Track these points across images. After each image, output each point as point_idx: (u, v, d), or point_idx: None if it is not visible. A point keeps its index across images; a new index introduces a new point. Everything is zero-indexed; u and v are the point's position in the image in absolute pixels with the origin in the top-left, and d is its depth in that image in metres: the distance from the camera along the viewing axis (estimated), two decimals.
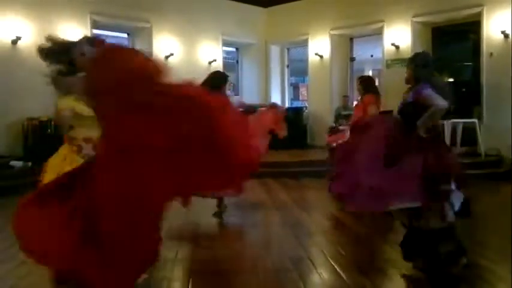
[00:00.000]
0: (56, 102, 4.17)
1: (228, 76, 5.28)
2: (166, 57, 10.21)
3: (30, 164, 7.28)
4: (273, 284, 3.05)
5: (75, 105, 3.90)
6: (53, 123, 6.75)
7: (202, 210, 5.32)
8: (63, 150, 3.92)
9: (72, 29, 8.79)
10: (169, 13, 10.34)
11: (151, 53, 9.92)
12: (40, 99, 7.59)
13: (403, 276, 3.13)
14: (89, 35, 9.02)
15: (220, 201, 5.10)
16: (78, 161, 3.58)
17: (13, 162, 7.33)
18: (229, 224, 5.09)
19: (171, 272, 3.24)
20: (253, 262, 3.46)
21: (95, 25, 9.22)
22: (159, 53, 10.09)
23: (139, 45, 10.16)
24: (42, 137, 7.47)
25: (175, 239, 4.11)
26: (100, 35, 9.59)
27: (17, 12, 8.10)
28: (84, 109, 3.82)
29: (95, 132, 3.47)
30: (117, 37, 10.61)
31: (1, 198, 6.12)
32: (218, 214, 5.04)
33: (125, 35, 10.38)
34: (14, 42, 8.02)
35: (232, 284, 3.08)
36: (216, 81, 4.90)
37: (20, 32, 8.05)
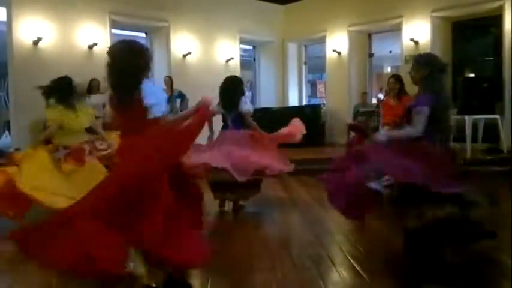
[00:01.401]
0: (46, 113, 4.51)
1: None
2: (184, 55, 10.28)
3: None
4: (293, 282, 3.05)
5: (63, 119, 4.28)
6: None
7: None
8: (43, 157, 4.38)
9: (92, 29, 8.91)
10: (187, 12, 10.39)
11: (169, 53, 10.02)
12: None
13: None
14: (107, 34, 9.15)
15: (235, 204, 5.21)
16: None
17: None
18: (248, 222, 5.10)
19: (191, 270, 3.25)
20: (272, 260, 3.46)
21: (114, 25, 9.33)
22: (177, 51, 10.16)
23: (157, 44, 10.25)
24: None
25: None
26: (118, 34, 9.72)
27: (38, 13, 8.24)
28: (71, 124, 4.19)
29: (72, 142, 4.48)
30: (135, 36, 10.72)
31: None
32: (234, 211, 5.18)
33: (143, 35, 10.47)
34: (35, 42, 8.17)
35: (251, 282, 3.09)
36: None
37: (41, 33, 8.19)
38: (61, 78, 4.70)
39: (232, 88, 5.09)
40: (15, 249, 3.80)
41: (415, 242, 3.10)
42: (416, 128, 3.23)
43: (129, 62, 2.68)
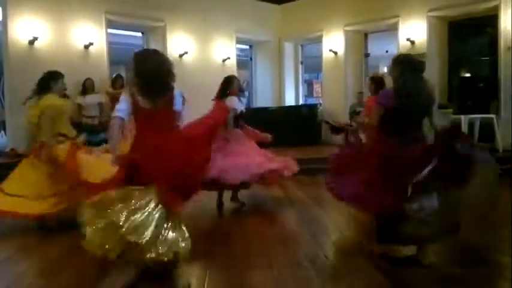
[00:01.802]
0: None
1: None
2: (181, 55, 10.26)
3: None
4: (289, 280, 3.05)
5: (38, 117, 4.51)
6: None
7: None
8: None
9: (87, 29, 8.88)
10: (183, 12, 10.38)
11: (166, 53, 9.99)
12: None
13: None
14: (103, 34, 9.13)
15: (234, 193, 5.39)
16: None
17: None
18: (245, 220, 5.10)
19: (188, 268, 3.25)
20: (269, 259, 3.46)
21: (110, 24, 9.30)
22: (173, 51, 10.15)
23: (153, 44, 10.23)
24: None
25: (192, 235, 4.14)
26: (114, 34, 9.71)
27: (34, 13, 8.21)
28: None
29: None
30: (131, 36, 10.70)
31: None
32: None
33: (139, 34, 10.45)
34: (31, 42, 8.13)
35: (248, 280, 3.09)
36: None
37: (36, 33, 8.16)
38: None
39: (224, 86, 5.31)
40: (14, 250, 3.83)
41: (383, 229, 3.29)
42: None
43: (162, 67, 3.16)
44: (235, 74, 11.01)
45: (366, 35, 11.23)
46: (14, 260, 3.62)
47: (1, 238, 4.31)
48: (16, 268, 3.38)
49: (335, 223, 4.72)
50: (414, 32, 9.70)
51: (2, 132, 9.30)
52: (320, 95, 14.20)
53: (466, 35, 9.82)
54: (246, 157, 4.97)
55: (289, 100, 12.65)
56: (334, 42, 11.23)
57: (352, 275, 3.17)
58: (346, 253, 3.59)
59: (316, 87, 16.59)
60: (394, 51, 10.72)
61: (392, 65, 3.45)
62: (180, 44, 10.30)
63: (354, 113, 9.81)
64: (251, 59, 12.70)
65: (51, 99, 4.51)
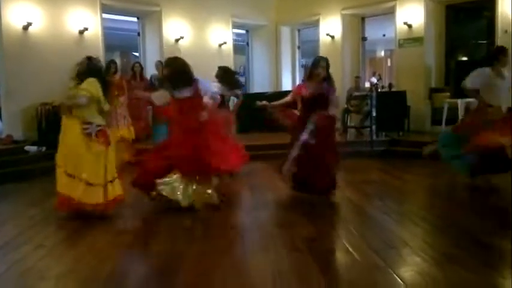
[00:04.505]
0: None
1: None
2: (177, 40, 10.18)
3: (44, 148, 7.37)
4: (286, 264, 3.07)
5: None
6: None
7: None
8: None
9: (82, 14, 8.79)
10: None
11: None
12: (52, 84, 7.65)
13: None
14: (98, 19, 9.03)
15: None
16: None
17: (28, 147, 7.42)
18: (241, 204, 5.13)
19: (185, 254, 3.27)
20: (265, 242, 3.48)
21: (105, 9, 9.19)
22: (169, 36, 10.07)
23: (149, 29, 10.15)
24: (56, 122, 7.50)
25: (188, 224, 4.16)
26: (110, 19, 9.60)
27: None
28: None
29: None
30: (126, 21, 10.61)
31: (16, 182, 6.22)
32: None
33: (135, 19, 10.35)
34: (25, 28, 8.04)
35: (244, 264, 3.11)
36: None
37: (30, 18, 8.07)
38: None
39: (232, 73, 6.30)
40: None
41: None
42: None
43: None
44: (232, 59, 11.03)
45: (363, 19, 11.14)
46: (36, 242, 3.63)
47: (21, 221, 4.33)
48: (38, 250, 3.40)
49: (331, 206, 4.75)
50: (411, 15, 9.63)
51: None
52: None
53: (464, 18, 9.76)
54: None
55: (286, 85, 12.58)
56: (331, 26, 11.15)
57: (348, 256, 3.20)
58: (343, 236, 3.62)
59: None
60: (391, 35, 10.68)
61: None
62: (175, 28, 10.21)
63: (350, 97, 9.80)
64: (247, 43, 12.62)
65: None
